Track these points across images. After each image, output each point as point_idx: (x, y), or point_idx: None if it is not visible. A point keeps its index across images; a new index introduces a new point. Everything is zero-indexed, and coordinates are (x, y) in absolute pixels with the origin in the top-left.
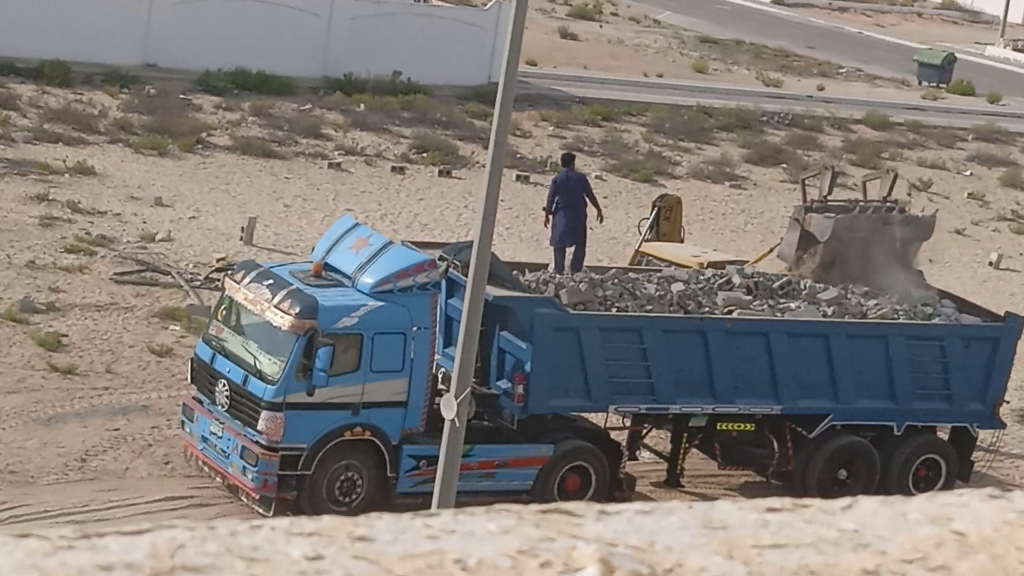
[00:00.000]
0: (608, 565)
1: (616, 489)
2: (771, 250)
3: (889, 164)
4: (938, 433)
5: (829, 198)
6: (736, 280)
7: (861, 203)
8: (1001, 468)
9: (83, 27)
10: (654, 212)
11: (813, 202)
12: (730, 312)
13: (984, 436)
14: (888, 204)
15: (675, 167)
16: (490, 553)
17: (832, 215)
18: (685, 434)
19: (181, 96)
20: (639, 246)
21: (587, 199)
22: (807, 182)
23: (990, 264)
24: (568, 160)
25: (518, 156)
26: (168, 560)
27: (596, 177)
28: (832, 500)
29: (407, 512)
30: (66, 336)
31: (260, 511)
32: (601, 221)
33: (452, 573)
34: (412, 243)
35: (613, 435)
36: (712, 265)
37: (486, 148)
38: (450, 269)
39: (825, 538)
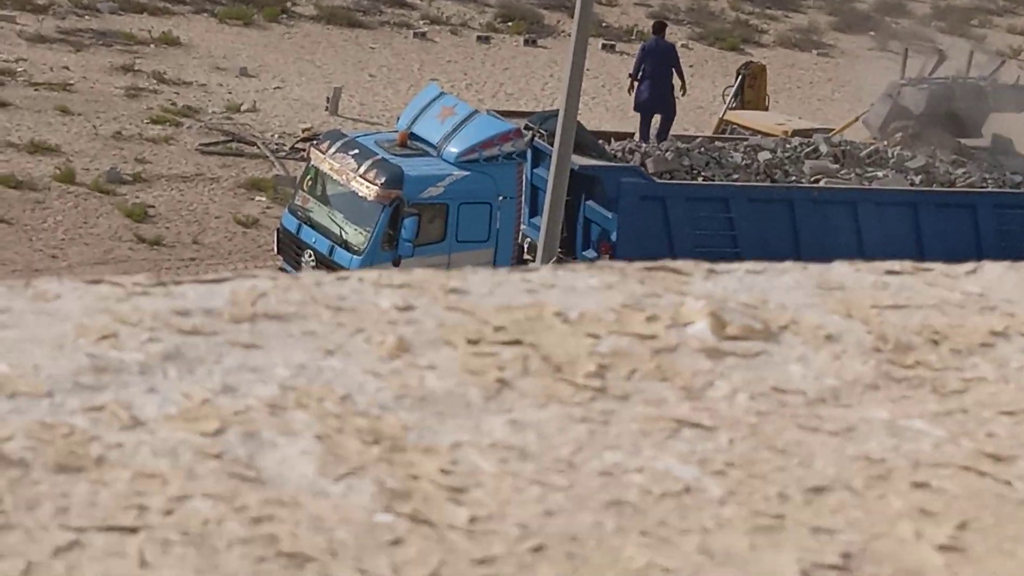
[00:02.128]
0: (719, 319)
1: None
2: (857, 118)
3: (978, 31)
4: None
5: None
6: (823, 149)
7: (955, 78)
8: None
9: None
10: (738, 80)
11: (910, 79)
12: (817, 181)
13: None
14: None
15: (761, 35)
16: (593, 306)
17: (926, 86)
18: None
19: None
20: (723, 114)
21: (674, 69)
22: (910, 58)
23: None
24: (659, 28)
25: (604, 24)
26: (249, 308)
27: (682, 46)
28: (955, 265)
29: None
30: (152, 207)
31: None
32: (684, 93)
33: (552, 325)
34: (497, 112)
35: None
36: (796, 133)
37: (572, 16)
38: (536, 138)
39: (949, 300)
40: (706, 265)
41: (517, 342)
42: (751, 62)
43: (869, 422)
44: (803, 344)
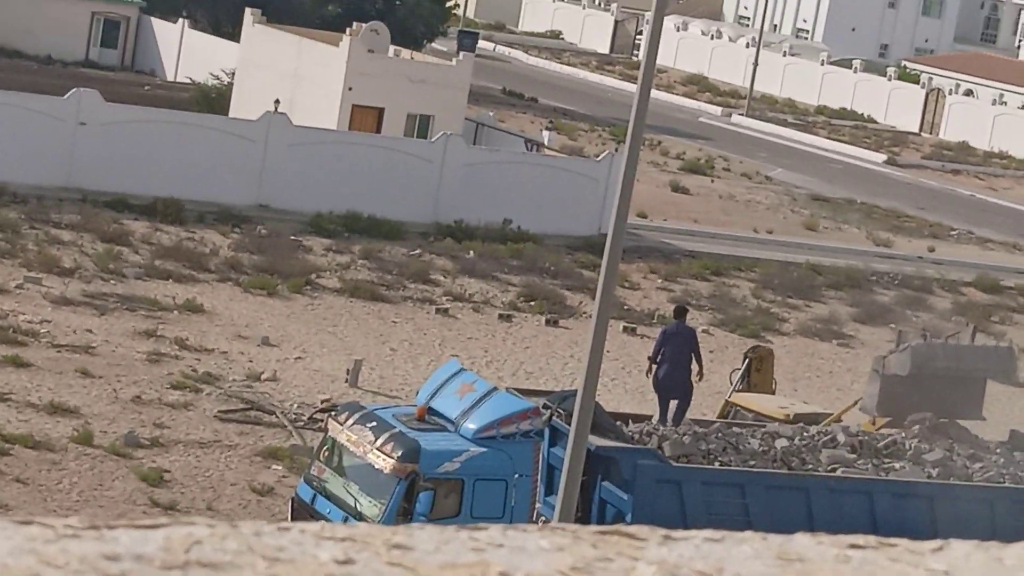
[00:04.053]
0: None
1: None
2: (855, 403)
3: (998, 328)
4: None
5: None
6: (841, 438)
7: (934, 341)
8: None
9: (198, 166)
10: (745, 363)
11: (890, 351)
12: (833, 470)
13: None
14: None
15: (783, 323)
16: (540, 568)
17: (907, 347)
18: None
19: (292, 237)
20: (729, 396)
21: (693, 354)
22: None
23: None
24: (680, 313)
25: (626, 308)
26: (182, 555)
27: (703, 331)
28: (920, 541)
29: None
30: (168, 472)
31: None
32: (701, 379)
33: None
34: (516, 390)
35: None
36: (798, 417)
37: (594, 298)
38: (553, 417)
39: None
40: (662, 531)
41: None
42: (758, 346)
43: None
44: None
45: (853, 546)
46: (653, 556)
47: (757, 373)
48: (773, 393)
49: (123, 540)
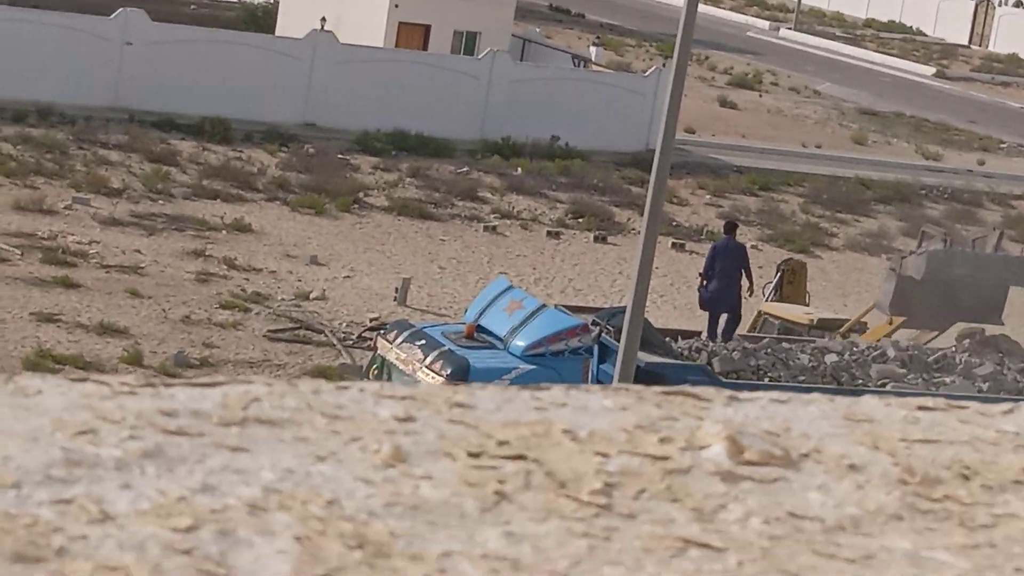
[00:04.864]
0: (737, 444)
1: None
2: (874, 305)
3: None
4: None
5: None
6: (891, 353)
7: (955, 246)
8: None
9: (245, 85)
10: (778, 275)
11: (911, 252)
12: (883, 385)
13: None
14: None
15: (831, 238)
16: (604, 426)
17: (923, 252)
18: None
19: (339, 156)
20: (762, 306)
21: (743, 270)
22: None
23: None
24: (730, 228)
25: (674, 224)
26: (240, 411)
27: (752, 247)
28: (992, 404)
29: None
30: None
31: None
32: (752, 294)
33: (559, 442)
34: (565, 307)
35: None
36: (822, 322)
37: (642, 215)
38: (602, 334)
39: (982, 437)
40: (727, 392)
41: (521, 457)
42: (791, 259)
43: (890, 551)
44: (824, 473)
45: (922, 408)
46: (719, 415)
47: (789, 285)
48: (807, 305)
49: (180, 397)
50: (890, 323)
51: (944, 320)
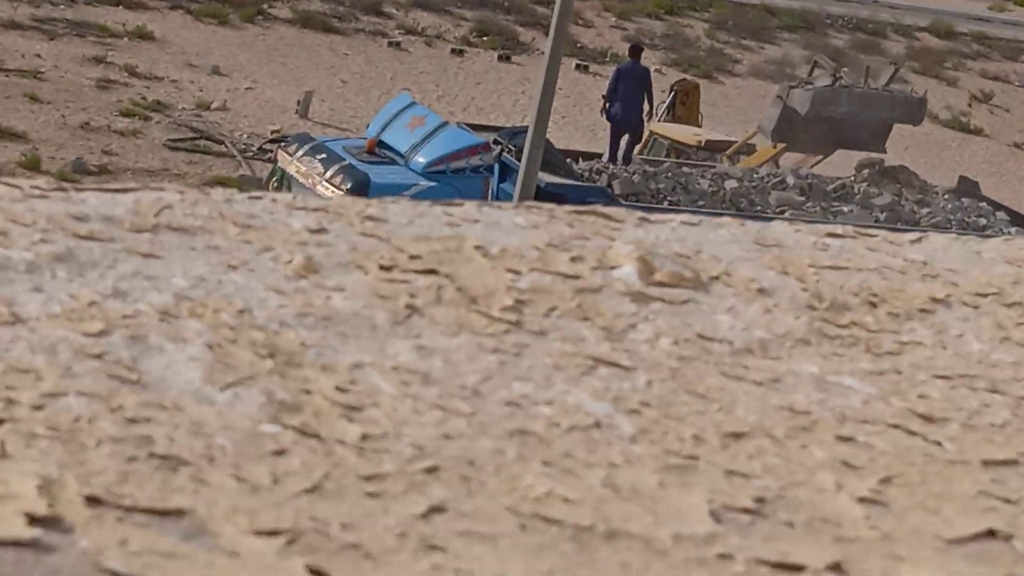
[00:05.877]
0: (648, 265)
1: None
2: (758, 129)
3: (951, 74)
4: None
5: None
6: (790, 180)
7: (844, 84)
8: None
9: None
10: (671, 96)
11: (801, 81)
12: (782, 212)
13: None
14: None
15: (736, 64)
16: (516, 243)
17: (811, 88)
18: None
19: None
20: (651, 126)
21: (645, 93)
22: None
23: None
24: (636, 51)
25: (578, 45)
26: (151, 218)
27: (656, 71)
28: (900, 233)
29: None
30: None
31: None
32: (651, 118)
33: (471, 258)
34: (467, 125)
35: None
36: (709, 143)
37: (547, 35)
38: (504, 153)
39: (890, 265)
40: (639, 214)
41: (432, 271)
42: (685, 79)
43: (797, 375)
44: (734, 296)
45: (831, 235)
46: (630, 236)
47: (683, 106)
48: (700, 126)
49: (91, 202)
50: (775, 147)
51: (827, 148)
